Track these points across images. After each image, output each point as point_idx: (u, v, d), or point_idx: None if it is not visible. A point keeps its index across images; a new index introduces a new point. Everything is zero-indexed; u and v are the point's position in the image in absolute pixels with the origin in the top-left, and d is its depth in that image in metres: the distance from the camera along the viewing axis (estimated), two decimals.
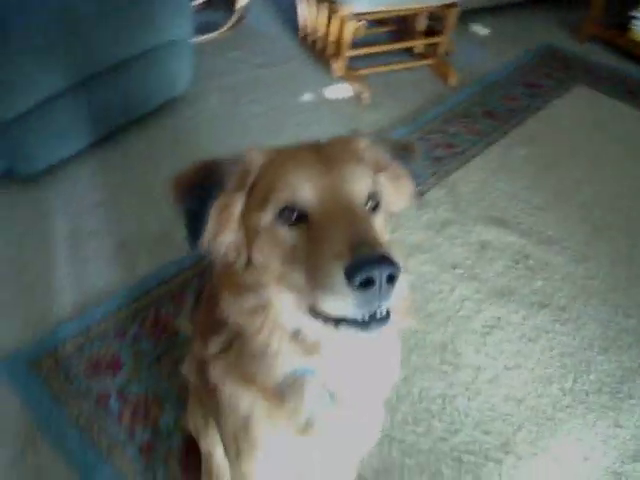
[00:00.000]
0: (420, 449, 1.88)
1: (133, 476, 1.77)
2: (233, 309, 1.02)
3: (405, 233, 2.55)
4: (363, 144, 1.07)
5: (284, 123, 3.13)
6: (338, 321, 0.88)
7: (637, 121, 3.37)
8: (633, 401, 2.07)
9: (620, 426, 2.00)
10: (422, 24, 3.67)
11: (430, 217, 2.65)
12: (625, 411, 2.04)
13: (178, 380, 1.92)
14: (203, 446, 1.67)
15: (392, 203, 1.10)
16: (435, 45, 3.61)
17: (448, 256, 2.49)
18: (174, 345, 2.08)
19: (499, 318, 2.28)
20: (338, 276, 0.82)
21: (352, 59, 3.47)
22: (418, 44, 3.67)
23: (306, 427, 1.09)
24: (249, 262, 1.00)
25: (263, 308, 0.99)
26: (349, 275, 0.81)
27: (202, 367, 1.21)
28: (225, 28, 3.73)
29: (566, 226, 2.67)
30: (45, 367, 2.01)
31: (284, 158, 0.99)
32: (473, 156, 3.01)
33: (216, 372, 1.13)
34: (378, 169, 1.06)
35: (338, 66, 3.43)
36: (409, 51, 3.73)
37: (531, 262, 2.50)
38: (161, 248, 2.41)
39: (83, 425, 1.87)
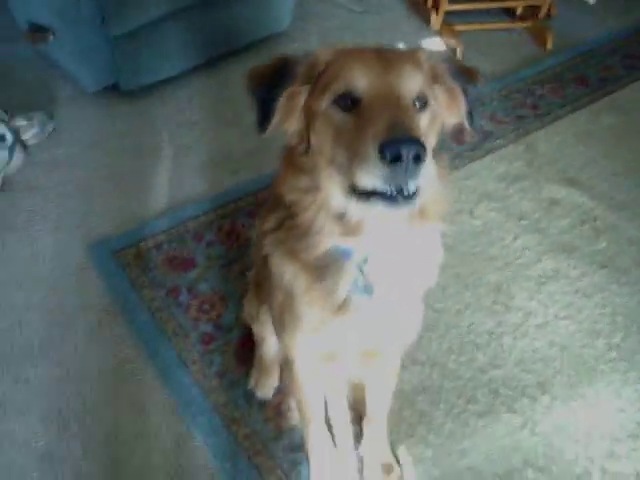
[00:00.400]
0: (460, 376, 1.99)
1: (192, 361, 1.95)
2: (289, 187, 1.15)
3: (478, 181, 2.62)
4: (424, 55, 1.15)
5: None
6: (370, 195, 0.98)
7: None
8: None
9: None
10: None
11: (505, 170, 2.70)
12: None
13: (243, 284, 2.09)
14: (256, 331, 1.83)
15: (445, 115, 1.17)
16: (536, 7, 3.58)
17: (516, 208, 2.54)
18: (244, 253, 2.25)
19: (557, 271, 2.32)
20: (372, 151, 0.93)
21: (451, 14, 3.50)
22: (518, 4, 3.64)
23: (341, 308, 1.21)
24: (308, 147, 1.12)
25: (314, 189, 1.11)
26: (381, 150, 0.92)
27: (261, 246, 1.36)
28: None
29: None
30: (127, 257, 2.22)
31: (348, 54, 1.10)
32: (557, 119, 3.01)
33: (267, 245, 1.27)
34: (434, 79, 1.14)
35: (436, 20, 3.48)
36: (508, 12, 3.71)
37: (598, 223, 2.51)
38: (244, 167, 2.58)
39: (154, 310, 2.07)
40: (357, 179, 0.98)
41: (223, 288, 2.15)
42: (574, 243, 2.43)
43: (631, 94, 3.23)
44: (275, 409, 1.86)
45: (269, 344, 1.81)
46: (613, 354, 2.10)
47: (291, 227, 1.20)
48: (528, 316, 2.17)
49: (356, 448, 1.80)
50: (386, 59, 1.07)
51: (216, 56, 3.03)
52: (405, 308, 1.34)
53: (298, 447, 1.77)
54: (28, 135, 2.54)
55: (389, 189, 0.95)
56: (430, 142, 1.11)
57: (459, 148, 2.78)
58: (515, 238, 2.42)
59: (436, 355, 2.03)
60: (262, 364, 1.88)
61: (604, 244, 2.44)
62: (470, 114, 1.19)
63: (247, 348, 1.97)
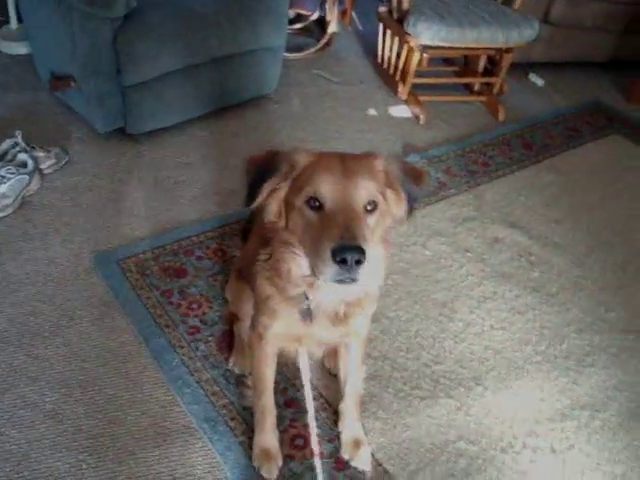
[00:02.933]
0: (407, 368, 2.34)
1: (180, 346, 2.30)
2: (275, 247, 1.61)
3: (431, 221, 3.05)
4: (380, 163, 1.52)
5: (348, 129, 3.71)
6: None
7: None
8: (593, 369, 2.47)
9: (578, 384, 2.40)
10: (481, 66, 4.20)
11: (455, 213, 3.14)
12: (584, 375, 2.44)
13: (223, 288, 2.46)
14: (235, 311, 2.25)
15: (393, 210, 1.55)
16: (490, 85, 4.13)
17: (463, 243, 2.96)
18: (227, 268, 2.62)
19: (495, 292, 2.73)
20: (326, 252, 1.32)
21: (417, 86, 4.02)
22: (475, 81, 4.21)
23: (302, 314, 1.71)
24: (286, 225, 1.52)
25: (291, 255, 1.56)
26: (332, 253, 1.31)
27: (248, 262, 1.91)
28: (313, 50, 4.37)
29: (572, 237, 3.11)
30: (128, 265, 2.58)
31: (319, 162, 1.46)
32: (503, 175, 3.49)
33: (258, 269, 1.74)
34: (387, 184, 1.51)
35: (403, 90, 4.00)
36: (467, 87, 4.28)
37: (533, 258, 2.94)
38: (229, 201, 3.00)
39: (150, 307, 2.42)
40: (316, 270, 1.40)
41: (209, 293, 2.52)
42: (511, 272, 2.85)
43: (569, 158, 3.75)
44: (248, 386, 2.19)
45: (245, 326, 2.18)
46: (539, 358, 2.47)
47: (275, 268, 1.64)
48: (468, 326, 2.55)
49: (336, 426, 2.11)
50: (347, 169, 1.42)
51: (212, 110, 3.50)
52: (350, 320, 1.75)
53: None
54: (45, 165, 2.94)
55: (338, 279, 1.36)
56: (377, 233, 1.51)
57: None
58: (460, 266, 2.83)
59: (387, 352, 2.39)
60: (240, 344, 2.23)
61: (537, 274, 2.86)
62: (410, 210, 1.57)
63: (226, 341, 2.32)
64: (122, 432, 2.03)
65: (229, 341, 2.32)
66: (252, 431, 2.01)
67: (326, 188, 1.39)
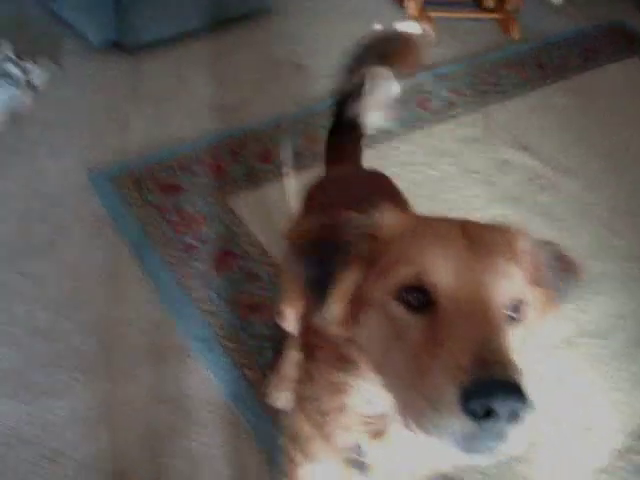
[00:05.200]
0: None
1: (176, 262, 2.23)
2: (322, 369, 0.98)
3: (438, 141, 2.94)
4: (524, 243, 0.88)
5: (351, 44, 3.53)
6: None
7: None
8: (600, 297, 2.38)
9: (584, 311, 2.32)
10: None
11: (463, 133, 3.02)
12: (591, 302, 2.36)
13: (220, 205, 2.39)
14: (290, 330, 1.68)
15: (540, 316, 0.90)
16: (504, 1, 3.92)
17: (471, 164, 2.85)
18: (223, 184, 2.54)
19: (504, 215, 2.63)
20: (451, 395, 0.67)
21: (427, 2, 3.82)
22: None
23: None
24: (350, 339, 0.88)
25: (349, 388, 0.93)
26: (464, 396, 0.66)
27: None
28: None
29: (585, 161, 2.98)
30: (122, 181, 2.50)
31: (424, 230, 0.85)
32: (515, 95, 3.34)
33: (294, 399, 1.15)
34: (533, 280, 0.86)
35: (412, 5, 3.80)
36: (480, 4, 4.06)
37: (543, 181, 2.83)
38: (227, 117, 2.89)
39: (145, 224, 2.35)
40: (417, 417, 0.73)
41: (204, 208, 2.44)
42: (520, 195, 2.75)
43: (585, 80, 3.58)
44: (247, 307, 2.13)
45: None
46: None
47: (320, 400, 1.01)
48: None
49: None
50: (476, 243, 0.81)
51: (210, 23, 3.33)
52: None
53: (263, 336, 2.05)
54: (37, 77, 2.81)
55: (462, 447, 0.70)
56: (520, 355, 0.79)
57: (424, 113, 3.10)
58: (468, 187, 2.73)
59: None
60: (285, 376, 1.82)
61: (546, 198, 2.76)
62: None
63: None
64: (116, 350, 1.99)
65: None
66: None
67: (444, 268, 0.78)
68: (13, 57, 2.74)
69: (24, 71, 2.72)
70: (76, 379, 1.90)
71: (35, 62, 2.82)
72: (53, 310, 2.06)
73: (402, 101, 1.74)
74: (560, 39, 3.90)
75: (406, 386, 0.76)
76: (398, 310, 0.78)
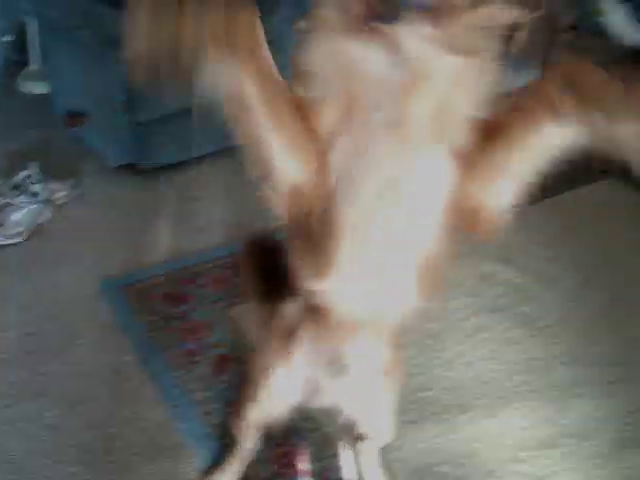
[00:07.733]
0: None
1: (178, 367, 2.40)
2: None
3: None
4: None
5: None
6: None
7: None
8: (581, 400, 2.46)
9: (565, 414, 2.40)
10: None
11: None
12: (572, 405, 2.43)
13: (224, 315, 2.57)
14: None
15: None
16: None
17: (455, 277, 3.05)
18: (227, 296, 2.73)
19: (487, 325, 2.80)
20: None
21: None
22: None
23: None
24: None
25: None
26: None
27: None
28: None
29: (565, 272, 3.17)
30: (131, 291, 2.71)
31: None
32: None
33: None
34: None
35: None
36: None
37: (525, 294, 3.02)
38: (232, 232, 3.12)
39: (150, 332, 2.53)
40: None
41: (209, 318, 2.62)
42: (502, 306, 2.92)
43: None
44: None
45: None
46: (527, 388, 2.52)
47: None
48: (457, 356, 2.63)
49: None
50: None
51: (221, 149, 3.64)
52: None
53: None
54: (58, 196, 3.09)
55: None
56: None
57: None
58: (452, 300, 2.91)
59: None
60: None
61: (527, 309, 2.93)
62: None
63: (221, 366, 2.41)
64: (118, 446, 2.12)
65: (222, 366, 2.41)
66: None
67: None
68: (39, 178, 3.03)
69: (48, 190, 3.00)
70: (77, 473, 2.02)
71: (58, 181, 3.11)
72: (61, 407, 2.21)
73: None
74: None
75: None
76: None
